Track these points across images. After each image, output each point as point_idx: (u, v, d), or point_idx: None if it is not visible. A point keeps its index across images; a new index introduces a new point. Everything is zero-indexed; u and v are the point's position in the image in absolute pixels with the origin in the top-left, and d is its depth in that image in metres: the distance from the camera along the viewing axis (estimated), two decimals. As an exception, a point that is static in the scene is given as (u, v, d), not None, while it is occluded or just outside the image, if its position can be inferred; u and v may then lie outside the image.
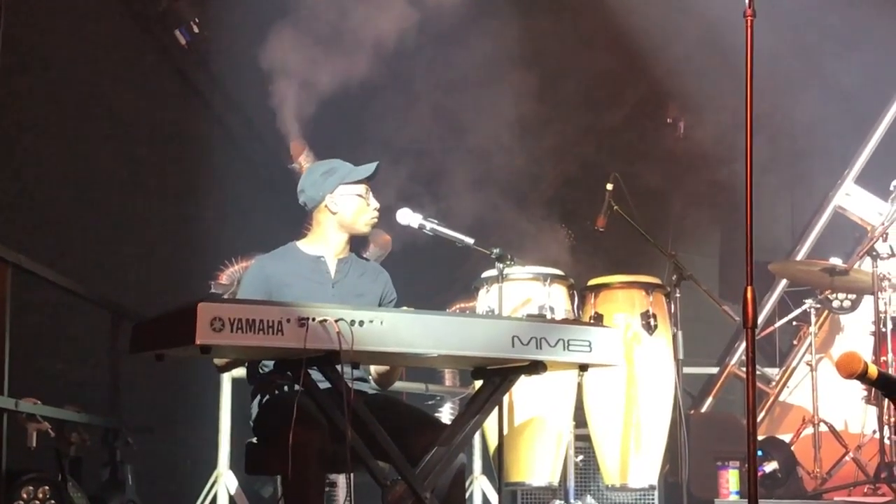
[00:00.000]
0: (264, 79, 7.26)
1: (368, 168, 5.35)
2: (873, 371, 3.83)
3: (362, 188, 5.34)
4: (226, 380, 6.76)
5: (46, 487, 5.56)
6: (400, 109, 7.70)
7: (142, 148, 7.84)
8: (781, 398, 9.65)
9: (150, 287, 7.50)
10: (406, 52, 7.36)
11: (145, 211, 7.80)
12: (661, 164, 9.22)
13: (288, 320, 4.17)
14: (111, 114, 7.69)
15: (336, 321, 4.24)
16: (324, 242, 5.37)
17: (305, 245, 5.42)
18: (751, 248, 4.04)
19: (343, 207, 5.32)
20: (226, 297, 6.68)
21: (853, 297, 8.90)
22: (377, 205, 5.38)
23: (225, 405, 6.78)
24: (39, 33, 7.49)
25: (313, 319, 4.20)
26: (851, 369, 3.81)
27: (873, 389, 7.28)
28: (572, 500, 6.88)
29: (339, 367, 4.36)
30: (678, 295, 6.70)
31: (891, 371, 7.33)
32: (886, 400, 7.11)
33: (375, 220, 5.40)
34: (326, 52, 7.25)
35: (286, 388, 5.02)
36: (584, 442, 6.99)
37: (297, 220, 6.90)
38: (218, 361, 5.09)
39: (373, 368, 5.32)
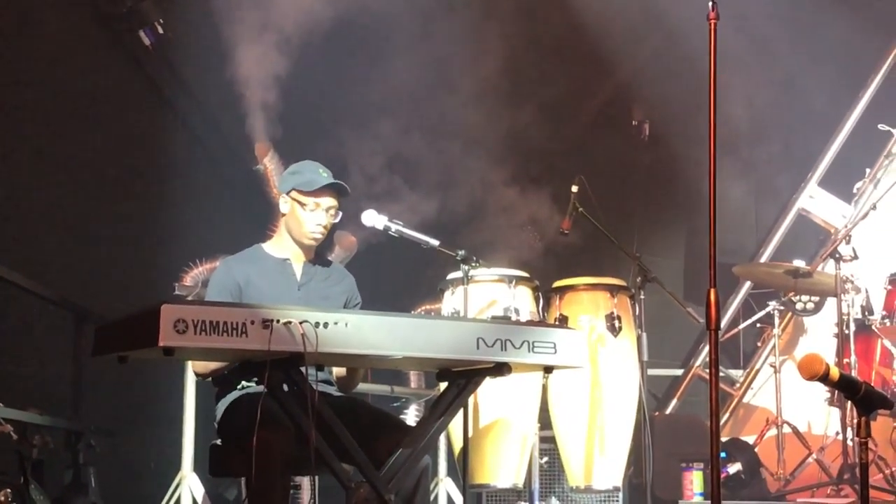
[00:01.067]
0: (229, 80, 7.24)
1: (320, 181, 5.24)
2: (835, 373, 3.85)
3: (311, 200, 5.25)
4: (189, 381, 6.73)
5: (8, 490, 5.52)
6: (366, 110, 7.71)
7: (105, 149, 7.80)
8: (745, 400, 9.69)
9: (113, 289, 7.46)
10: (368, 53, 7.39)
11: (109, 212, 7.76)
12: (626, 167, 9.25)
13: (252, 322, 4.16)
14: (73, 114, 7.65)
15: (300, 323, 4.23)
16: (287, 244, 5.35)
17: (271, 247, 5.40)
18: (714, 250, 4.06)
19: (290, 213, 5.29)
20: (190, 298, 6.65)
21: (816, 299, 8.95)
22: (324, 221, 5.27)
23: (189, 407, 6.76)
24: None
25: (277, 321, 4.20)
26: (813, 371, 3.83)
27: (836, 391, 7.32)
28: (537, 502, 6.88)
29: (303, 370, 4.36)
30: (643, 297, 6.72)
31: (853, 373, 7.37)
32: (849, 402, 7.14)
33: (318, 236, 5.31)
34: (292, 49, 7.26)
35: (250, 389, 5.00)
36: (548, 444, 6.99)
37: (262, 222, 6.89)
38: (199, 369, 5.06)
39: (335, 371, 5.31)
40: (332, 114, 7.74)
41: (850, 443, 7.36)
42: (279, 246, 5.38)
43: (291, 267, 5.34)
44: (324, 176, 5.26)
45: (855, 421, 7.33)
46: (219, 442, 5.13)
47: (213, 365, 4.94)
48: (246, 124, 7.47)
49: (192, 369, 5.24)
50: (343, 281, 5.46)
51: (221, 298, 5.07)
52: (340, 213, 5.31)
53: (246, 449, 4.43)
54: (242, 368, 4.49)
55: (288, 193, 5.27)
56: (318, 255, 5.46)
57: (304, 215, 5.25)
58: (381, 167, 7.40)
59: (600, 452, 6.65)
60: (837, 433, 7.70)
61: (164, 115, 8.26)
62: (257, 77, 7.24)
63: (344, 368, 5.25)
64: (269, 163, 7.69)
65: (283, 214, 5.31)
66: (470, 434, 6.09)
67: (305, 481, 6.65)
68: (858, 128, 9.78)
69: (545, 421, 6.90)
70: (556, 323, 6.66)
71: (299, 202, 5.25)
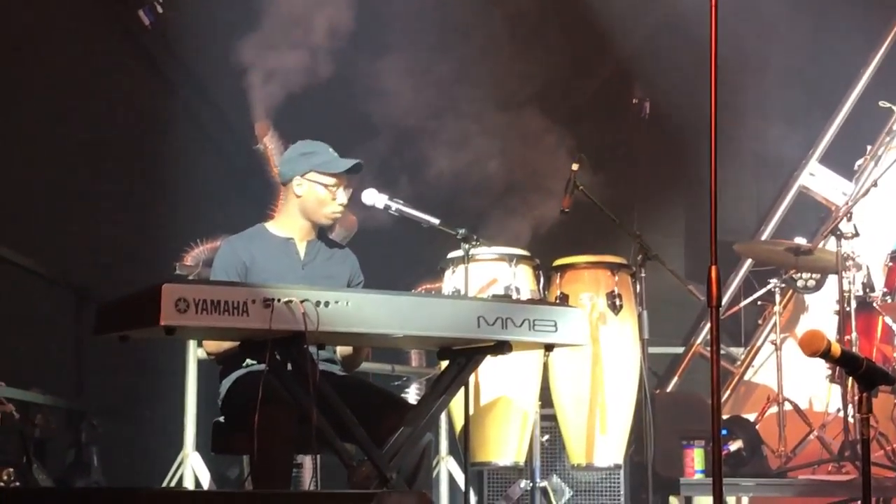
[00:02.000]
0: (229, 60, 7.23)
1: (346, 163, 5.32)
2: (836, 349, 3.85)
3: (333, 181, 5.32)
4: (191, 361, 6.76)
5: (11, 469, 5.55)
6: (375, 89, 7.70)
7: (106, 129, 7.79)
8: (746, 377, 9.69)
9: (114, 268, 7.46)
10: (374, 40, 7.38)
11: (110, 192, 7.76)
12: (627, 145, 9.23)
13: (253, 301, 4.18)
14: (72, 93, 7.64)
15: (301, 302, 4.24)
16: (292, 224, 5.37)
17: (274, 227, 5.42)
18: (715, 228, 4.06)
19: (307, 194, 5.31)
20: (191, 278, 6.66)
21: (817, 276, 8.94)
22: (344, 200, 5.37)
23: (191, 386, 6.78)
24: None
25: (279, 300, 4.22)
26: (815, 347, 3.83)
27: (837, 368, 7.33)
28: (538, 480, 6.90)
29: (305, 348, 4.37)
30: (643, 275, 6.72)
31: (854, 350, 7.38)
32: (850, 378, 7.15)
33: (338, 215, 5.39)
34: (297, 32, 7.25)
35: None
36: (549, 422, 7.00)
37: (263, 202, 6.90)
38: (211, 348, 5.08)
39: (339, 350, 5.32)
40: (335, 93, 7.72)
41: (850, 419, 7.37)
42: (282, 225, 5.40)
43: (295, 246, 5.36)
44: (335, 154, 5.33)
45: (856, 397, 7.36)
46: (221, 419, 5.16)
47: (226, 344, 4.95)
48: (246, 103, 7.47)
49: (205, 349, 5.24)
50: (346, 260, 5.48)
51: (228, 278, 5.09)
52: (351, 190, 5.37)
53: (249, 426, 4.45)
54: (244, 347, 4.51)
55: (304, 175, 5.29)
56: (321, 234, 5.47)
57: (326, 196, 5.29)
58: (381, 144, 7.39)
59: (601, 430, 6.67)
60: (839, 410, 7.71)
61: (164, 96, 8.26)
62: (258, 56, 7.23)
63: (349, 348, 5.27)
64: (269, 142, 7.69)
65: (298, 196, 5.31)
66: (471, 412, 6.10)
67: (307, 460, 6.67)
68: (860, 105, 9.75)
69: (546, 399, 6.91)
70: (557, 301, 6.66)
71: (321, 183, 5.28)
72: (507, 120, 7.88)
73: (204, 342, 5.24)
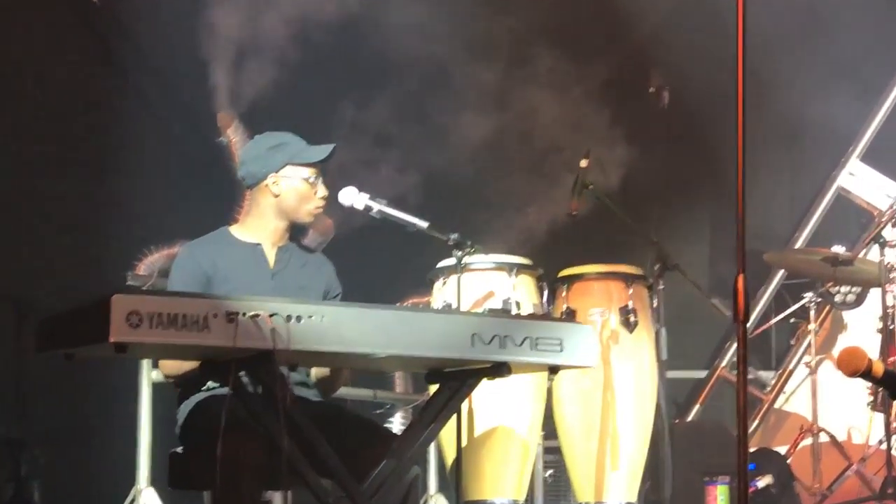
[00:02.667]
0: (188, 42, 7.23)
1: (324, 150, 5.35)
2: (879, 368, 3.85)
3: (311, 172, 5.33)
4: (145, 382, 6.75)
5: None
6: (353, 78, 7.70)
7: (48, 119, 7.79)
8: (777, 405, 9.71)
9: (58, 278, 7.46)
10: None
11: (53, 192, 7.75)
12: (644, 138, 9.23)
13: (215, 315, 4.17)
14: (12, 80, 7.63)
15: (270, 316, 4.23)
16: (261, 228, 5.37)
17: (239, 231, 5.42)
18: (743, 234, 4.07)
19: (286, 191, 5.32)
20: (145, 288, 6.66)
21: (858, 290, 8.96)
22: (325, 192, 5.38)
23: (144, 411, 6.77)
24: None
25: (244, 314, 4.21)
26: (854, 366, 3.84)
27: (880, 394, 7.34)
28: (541, 521, 6.91)
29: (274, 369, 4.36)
30: (662, 287, 6.73)
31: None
32: (894, 405, 7.17)
33: (320, 209, 5.41)
34: (266, 11, 7.26)
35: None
36: (553, 455, 7.01)
37: (226, 203, 6.88)
38: (170, 370, 5.07)
39: (313, 373, 5.32)
40: (305, 77, 7.73)
41: (894, 452, 7.38)
42: (249, 229, 5.40)
43: (263, 253, 5.36)
44: (306, 143, 5.35)
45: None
46: (180, 450, 5.15)
47: (186, 365, 4.89)
48: (207, 91, 7.47)
49: (161, 370, 5.22)
50: (322, 269, 5.48)
51: (187, 289, 5.08)
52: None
53: (210, 458, 4.44)
54: (205, 368, 4.49)
55: (279, 172, 5.29)
56: (293, 239, 5.47)
57: (308, 190, 5.31)
58: (362, 137, 7.38)
59: (612, 465, 6.67)
60: (881, 441, 7.72)
61: (114, 82, 8.24)
62: (220, 38, 7.23)
63: (325, 369, 5.27)
64: (233, 134, 7.68)
65: (276, 196, 5.31)
66: (464, 444, 6.09)
67: (277, 497, 6.65)
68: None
69: (550, 429, 6.91)
70: (563, 317, 6.67)
71: (299, 177, 5.31)
72: (504, 108, 7.89)
73: (160, 362, 5.22)
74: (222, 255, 5.28)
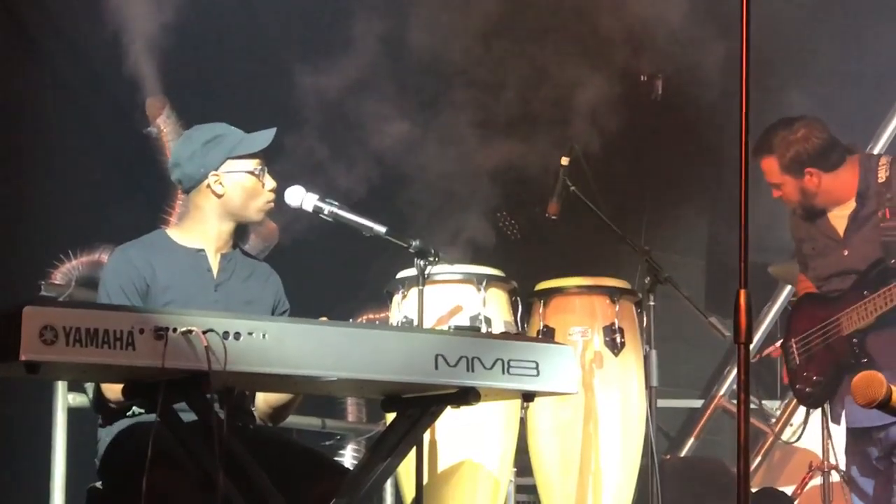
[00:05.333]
0: (112, 21, 7.23)
1: (265, 136, 5.35)
2: (900, 397, 3.86)
3: (255, 163, 5.33)
4: (59, 406, 6.73)
5: None
6: (301, 62, 7.70)
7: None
8: (783, 438, 9.74)
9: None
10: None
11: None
12: (633, 134, 9.27)
13: (141, 331, 4.16)
14: None
15: (204, 333, 4.23)
16: (203, 232, 5.36)
17: (178, 234, 5.41)
18: (746, 243, 4.08)
19: (230, 188, 5.31)
20: (61, 300, 6.64)
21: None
22: (273, 185, 5.39)
23: (59, 440, 6.77)
24: None
25: (174, 330, 4.20)
26: (872, 395, 3.85)
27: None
28: (512, 568, 6.92)
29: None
30: (652, 303, 6.74)
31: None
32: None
33: (271, 204, 5.42)
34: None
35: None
36: (528, 494, 7.03)
37: (156, 202, 6.88)
38: (113, 394, 5.04)
39: (261, 397, 5.32)
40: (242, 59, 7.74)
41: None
42: (189, 232, 5.39)
43: (207, 260, 5.35)
44: (242, 132, 5.35)
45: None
46: (99, 484, 5.14)
47: None
48: (135, 74, 7.47)
49: (105, 394, 5.18)
50: (269, 281, 5.50)
51: (125, 296, 5.08)
52: None
53: (134, 494, 4.43)
54: (129, 391, 4.49)
55: (219, 169, 5.29)
56: (236, 245, 5.47)
57: (255, 184, 5.32)
58: (308, 129, 7.39)
59: (595, 505, 6.70)
60: (901, 482, 7.76)
61: (28, 66, 8.23)
62: (148, 16, 7.24)
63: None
64: (163, 124, 7.68)
65: (220, 196, 5.31)
66: (425, 481, 6.11)
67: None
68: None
69: (523, 464, 6.92)
70: (540, 336, 6.68)
71: (244, 171, 5.31)
72: (473, 101, 7.90)
73: (104, 386, 5.18)
74: (161, 260, 5.27)
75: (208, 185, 5.32)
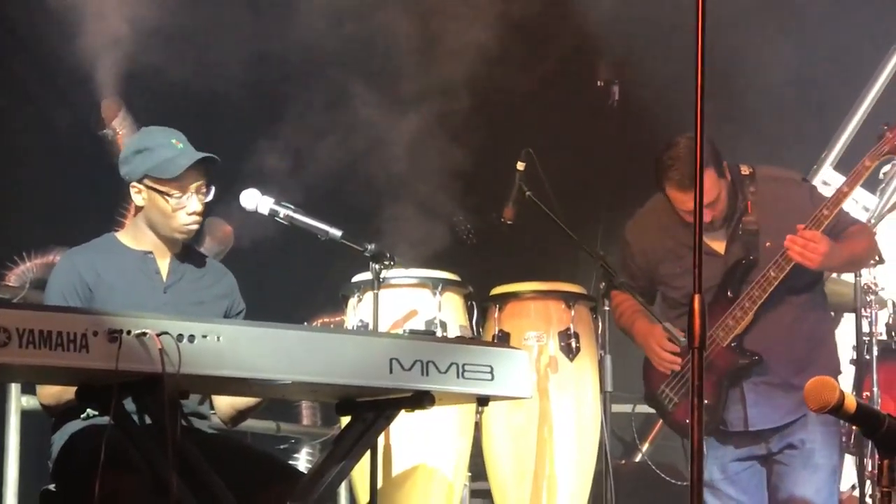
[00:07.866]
0: (66, 17, 7.20)
1: (186, 160, 5.24)
2: (851, 402, 3.85)
3: (176, 188, 5.25)
4: (13, 409, 6.71)
5: None
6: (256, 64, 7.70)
7: None
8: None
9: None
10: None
11: None
12: (589, 138, 9.29)
13: (95, 333, 4.16)
14: None
15: (159, 335, 4.22)
16: (148, 234, 5.34)
17: (127, 237, 5.40)
18: (700, 248, 4.09)
19: (148, 203, 5.28)
20: (14, 302, 6.62)
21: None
22: (198, 207, 5.30)
23: (12, 443, 6.76)
24: None
25: (128, 332, 4.20)
26: (823, 400, 3.85)
27: (853, 432, 7.39)
28: (467, 573, 6.92)
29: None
30: (607, 308, 6.76)
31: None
32: (869, 445, 7.22)
33: (193, 227, 5.34)
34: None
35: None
36: (482, 498, 7.03)
37: (112, 205, 6.85)
38: (48, 398, 5.03)
39: (226, 399, 5.31)
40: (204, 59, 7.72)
41: (868, 500, 7.43)
42: (137, 236, 5.38)
43: (155, 263, 5.34)
44: (180, 148, 5.26)
45: (875, 471, 7.43)
46: (52, 487, 5.13)
47: (68, 394, 4.84)
48: (90, 74, 7.43)
49: (39, 398, 5.17)
50: (222, 281, 5.49)
51: (65, 302, 5.05)
52: (213, 189, 5.32)
53: (87, 497, 4.42)
54: (82, 393, 4.48)
55: (141, 181, 5.26)
56: (188, 247, 5.46)
57: (171, 208, 5.25)
58: (266, 131, 7.37)
59: (549, 510, 6.71)
60: (853, 487, 7.78)
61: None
62: (103, 13, 7.21)
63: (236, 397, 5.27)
64: (119, 126, 7.66)
65: (140, 208, 5.29)
66: (379, 485, 6.11)
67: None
68: (883, 100, 9.88)
69: (478, 469, 6.92)
70: (495, 341, 6.69)
71: (160, 192, 5.24)
72: (429, 106, 7.89)
73: (38, 388, 5.18)
74: (107, 265, 5.26)
75: (132, 194, 5.30)
